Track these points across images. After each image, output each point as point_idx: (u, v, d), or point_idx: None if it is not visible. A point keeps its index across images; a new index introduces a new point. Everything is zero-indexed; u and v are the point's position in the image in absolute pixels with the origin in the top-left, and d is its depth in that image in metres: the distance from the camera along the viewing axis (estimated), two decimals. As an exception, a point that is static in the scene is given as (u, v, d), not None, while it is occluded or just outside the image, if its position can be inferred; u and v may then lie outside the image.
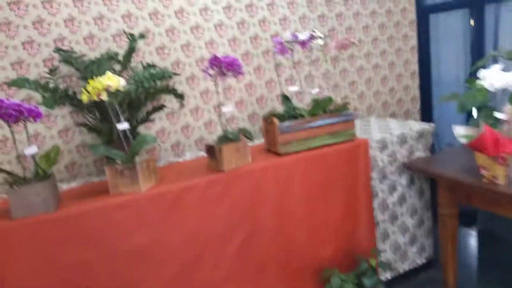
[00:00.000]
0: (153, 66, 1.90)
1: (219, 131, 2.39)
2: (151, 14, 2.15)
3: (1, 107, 1.34)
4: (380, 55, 2.78)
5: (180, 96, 1.91)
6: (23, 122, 1.46)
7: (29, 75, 1.95)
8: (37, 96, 1.95)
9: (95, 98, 1.53)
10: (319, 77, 2.60)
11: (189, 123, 2.31)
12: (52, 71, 1.84)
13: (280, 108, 2.50)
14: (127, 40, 2.07)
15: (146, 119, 2.02)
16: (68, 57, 1.80)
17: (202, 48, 2.29)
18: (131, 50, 1.83)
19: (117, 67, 1.98)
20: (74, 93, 1.88)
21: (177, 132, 2.29)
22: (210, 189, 1.77)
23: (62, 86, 1.96)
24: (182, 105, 2.13)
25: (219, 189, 1.78)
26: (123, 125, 1.67)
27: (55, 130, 2.04)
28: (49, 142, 2.03)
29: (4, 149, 1.95)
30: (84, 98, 1.53)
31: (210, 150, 1.86)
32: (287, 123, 1.92)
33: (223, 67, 1.66)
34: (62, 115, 2.05)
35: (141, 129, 2.17)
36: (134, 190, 1.65)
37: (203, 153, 2.24)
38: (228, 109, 1.84)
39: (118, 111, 1.68)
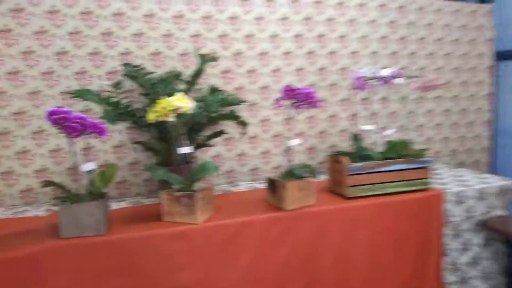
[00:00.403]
0: (219, 90, 1.80)
1: (275, 163, 2.24)
2: (220, 37, 2.07)
3: (67, 119, 1.24)
4: (452, 100, 2.59)
5: (244, 124, 1.79)
6: (84, 137, 1.36)
7: (90, 86, 1.88)
8: (95, 108, 1.88)
9: (163, 118, 1.42)
10: (384, 116, 2.43)
11: (245, 151, 2.18)
12: (117, 85, 1.77)
13: (341, 144, 2.34)
14: (194, 60, 1.99)
15: (205, 144, 1.90)
16: (134, 72, 1.72)
17: (267, 76, 2.18)
18: (199, 71, 1.73)
19: (181, 86, 1.89)
20: (136, 109, 1.79)
21: (232, 159, 2.16)
22: (270, 228, 1.60)
23: (123, 101, 1.88)
24: (244, 133, 1.99)
25: (280, 229, 1.62)
26: (185, 149, 1.56)
27: (109, 144, 1.95)
28: (102, 156, 1.94)
29: (56, 159, 1.87)
30: (151, 117, 1.43)
31: (272, 184, 1.71)
32: (358, 164, 1.76)
33: (299, 98, 1.53)
34: (119, 130, 1.96)
35: (197, 153, 2.05)
36: (190, 221, 1.51)
37: (257, 185, 2.09)
38: (294, 142, 1.69)
39: (182, 134, 1.56)
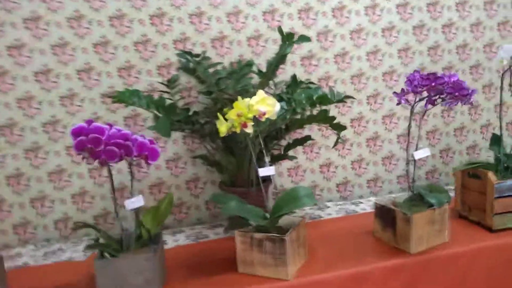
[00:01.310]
0: (310, 82, 1.30)
1: (372, 174, 1.74)
2: (301, 11, 1.58)
3: (99, 142, 0.82)
4: None
5: (341, 128, 1.30)
6: (129, 164, 0.94)
7: (137, 85, 1.47)
8: (144, 113, 1.47)
9: (238, 129, 0.97)
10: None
11: (332, 160, 1.69)
12: (171, 82, 1.34)
13: (481, 144, 1.78)
14: (265, 44, 1.52)
15: (284, 156, 1.43)
16: (195, 64, 1.27)
17: (362, 59, 1.66)
18: (281, 58, 1.25)
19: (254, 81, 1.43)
20: (196, 113, 1.35)
21: (314, 171, 1.68)
22: (388, 282, 1.11)
23: (179, 103, 1.45)
24: (341, 141, 1.38)
25: (402, 283, 1.12)
26: (268, 170, 1.09)
27: (162, 158, 1.54)
28: (153, 174, 1.53)
29: (98, 180, 1.49)
30: (223, 130, 0.98)
31: (386, 215, 1.21)
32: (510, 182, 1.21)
33: (442, 90, 1.01)
34: (173, 140, 1.54)
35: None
36: (278, 275, 1.05)
37: (351, 207, 1.60)
38: (422, 154, 1.18)
39: (260, 145, 1.11)
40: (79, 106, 1.45)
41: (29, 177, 1.44)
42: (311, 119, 1.29)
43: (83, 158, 0.82)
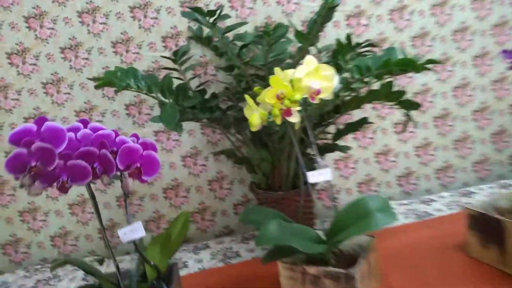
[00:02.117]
0: (369, 44, 0.93)
1: (439, 162, 1.37)
2: (345, -48, 1.20)
3: (51, 157, 0.49)
4: None
5: (413, 105, 0.94)
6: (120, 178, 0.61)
7: (139, 64, 1.15)
8: (150, 99, 1.15)
9: (279, 119, 0.63)
10: None
11: (390, 146, 1.33)
12: (178, 56, 1.01)
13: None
14: (299, 1, 1.16)
15: (333, 146, 1.08)
16: (210, 26, 0.91)
17: (426, 14, 1.28)
18: (327, 14, 0.88)
19: (292, 49, 1.07)
20: (214, 96, 1.02)
21: (368, 161, 1.33)
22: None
23: (192, 84, 1.12)
24: (411, 121, 1.00)
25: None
26: (321, 174, 0.75)
27: (176, 153, 1.22)
28: (166, 174, 1.22)
29: (81, 216, 1.19)
30: (255, 122, 0.65)
31: (487, 225, 0.85)
32: None
33: None
34: (189, 131, 1.22)
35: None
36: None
37: (419, 206, 1.25)
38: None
39: (305, 135, 0.77)
40: (68, 93, 1.14)
41: (15, 186, 1.15)
42: (373, 96, 0.93)
43: (22, 185, 0.49)
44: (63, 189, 0.50)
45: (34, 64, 1.11)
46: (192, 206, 1.25)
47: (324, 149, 1.08)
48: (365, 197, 0.77)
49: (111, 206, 1.21)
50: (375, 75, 0.78)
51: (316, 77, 0.64)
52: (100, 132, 0.54)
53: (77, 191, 1.19)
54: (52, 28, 1.10)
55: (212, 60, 1.18)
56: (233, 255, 1.07)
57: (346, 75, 0.90)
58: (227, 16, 0.87)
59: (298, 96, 0.62)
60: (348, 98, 0.95)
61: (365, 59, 0.81)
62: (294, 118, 0.66)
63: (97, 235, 1.21)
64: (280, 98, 0.64)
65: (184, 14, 0.86)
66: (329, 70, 0.66)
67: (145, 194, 1.22)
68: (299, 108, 0.65)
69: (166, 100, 0.92)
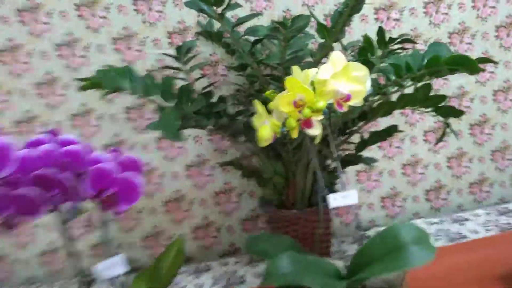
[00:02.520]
0: (404, 39, 0.79)
1: (473, 175, 1.22)
2: None
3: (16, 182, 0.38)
4: None
5: (455, 112, 0.80)
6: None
7: (141, 62, 1.04)
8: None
9: (295, 131, 0.51)
10: None
11: (419, 157, 1.19)
12: (182, 52, 0.89)
13: None
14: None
15: (358, 159, 0.95)
16: (218, 18, 0.79)
17: (466, 7, 1.13)
18: (356, 4, 0.75)
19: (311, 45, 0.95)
20: (221, 99, 0.90)
21: (394, 173, 1.19)
22: None
23: (197, 85, 1.00)
24: (450, 131, 0.87)
25: None
26: (346, 197, 0.62)
27: (180, 162, 1.11)
28: (168, 185, 1.11)
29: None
30: (264, 134, 0.53)
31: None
32: None
33: None
34: (195, 137, 1.10)
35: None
36: None
37: (449, 225, 1.11)
38: None
39: (325, 145, 0.64)
40: (62, 95, 1.03)
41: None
42: (407, 101, 0.79)
43: None
44: (9, 226, 0.39)
45: (26, 63, 1.01)
46: (195, 221, 1.14)
47: (346, 162, 0.95)
48: (397, 225, 0.64)
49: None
50: (417, 77, 0.65)
51: (345, 79, 0.52)
52: (65, 148, 0.43)
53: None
54: (47, 23, 1.00)
55: (223, 58, 1.06)
56: (237, 280, 0.95)
57: (373, 75, 0.77)
58: (237, 5, 0.75)
59: (321, 104, 0.50)
60: (377, 103, 0.82)
61: (403, 57, 0.68)
62: (316, 130, 0.53)
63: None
64: (298, 105, 0.51)
65: (187, 3, 0.74)
66: (362, 70, 0.54)
67: (143, 207, 1.11)
68: (321, 117, 0.53)
69: (168, 104, 0.80)
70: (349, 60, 0.61)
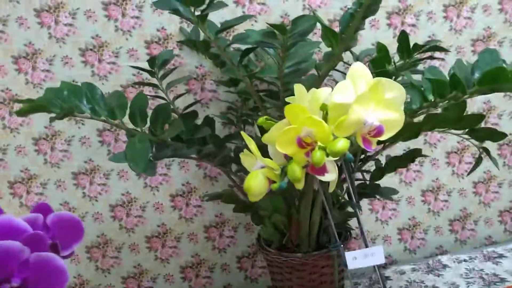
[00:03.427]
0: (434, 46, 0.62)
1: (503, 202, 1.06)
2: None
3: None
4: None
5: (497, 136, 0.64)
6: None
7: (116, 77, 0.88)
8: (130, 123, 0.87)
9: (301, 182, 0.35)
10: None
11: (441, 181, 1.03)
12: (156, 65, 0.73)
13: None
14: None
15: (372, 190, 0.78)
16: (199, 22, 0.62)
17: (492, 10, 0.98)
18: (371, 6, 0.59)
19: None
20: (207, 122, 0.75)
21: (413, 200, 1.03)
22: None
23: (176, 105, 0.84)
24: (487, 158, 0.72)
25: None
26: (373, 257, 0.47)
27: (164, 192, 0.94)
28: (151, 218, 0.94)
29: None
30: (255, 187, 0.38)
31: None
32: None
33: None
34: (179, 163, 0.94)
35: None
36: None
37: (481, 263, 0.94)
38: None
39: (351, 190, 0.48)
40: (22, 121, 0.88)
41: None
42: (436, 122, 0.63)
43: None
44: None
45: (-20, 78, 0.86)
46: (184, 259, 0.97)
47: (360, 194, 0.78)
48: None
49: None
50: (465, 96, 0.49)
51: (374, 103, 0.36)
52: None
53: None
54: (2, 31, 0.85)
55: (212, 71, 0.91)
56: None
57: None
58: (222, 4, 0.59)
59: (342, 144, 0.33)
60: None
61: (435, 71, 0.52)
62: (331, 176, 0.37)
63: None
64: (304, 144, 0.35)
65: (157, 3, 0.59)
66: (397, 90, 0.38)
67: (123, 243, 0.95)
68: (337, 157, 0.37)
69: (138, 130, 0.65)
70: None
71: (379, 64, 0.71)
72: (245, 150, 0.47)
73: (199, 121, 0.78)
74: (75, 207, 0.92)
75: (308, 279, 0.75)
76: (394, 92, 0.39)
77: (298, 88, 0.43)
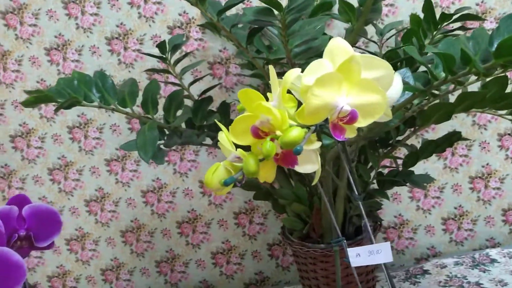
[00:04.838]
0: (465, 16, 0.55)
1: None
2: None
3: None
4: None
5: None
6: None
7: (140, 64, 0.88)
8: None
9: (262, 177, 0.32)
10: None
11: (493, 167, 0.93)
12: (164, 50, 0.72)
13: None
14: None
15: (404, 178, 0.72)
16: (200, 2, 0.60)
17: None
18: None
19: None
20: (223, 106, 0.72)
21: (460, 188, 0.94)
22: None
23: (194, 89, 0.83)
24: None
25: None
26: (379, 254, 0.42)
27: (193, 178, 0.94)
28: (181, 205, 0.95)
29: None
30: (212, 181, 0.34)
31: None
32: None
33: None
34: (207, 148, 0.93)
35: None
36: None
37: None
38: None
39: (353, 186, 0.44)
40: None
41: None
42: (472, 101, 0.56)
43: None
44: None
45: (18, 71, 0.90)
46: (215, 245, 0.97)
47: (390, 182, 0.72)
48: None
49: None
50: (481, 72, 0.42)
51: (348, 85, 0.31)
52: None
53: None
54: (35, 25, 0.88)
55: (234, 55, 0.88)
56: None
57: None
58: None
59: (294, 134, 0.29)
60: (431, 104, 0.59)
61: (455, 41, 0.45)
62: (312, 167, 0.33)
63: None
64: (262, 134, 0.31)
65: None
66: (380, 68, 0.33)
67: (155, 228, 0.97)
68: (318, 145, 0.33)
69: (150, 117, 0.64)
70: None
71: (410, 38, 0.64)
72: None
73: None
74: (109, 193, 0.95)
75: (332, 271, 0.72)
76: (376, 71, 0.34)
77: (271, 69, 0.38)
